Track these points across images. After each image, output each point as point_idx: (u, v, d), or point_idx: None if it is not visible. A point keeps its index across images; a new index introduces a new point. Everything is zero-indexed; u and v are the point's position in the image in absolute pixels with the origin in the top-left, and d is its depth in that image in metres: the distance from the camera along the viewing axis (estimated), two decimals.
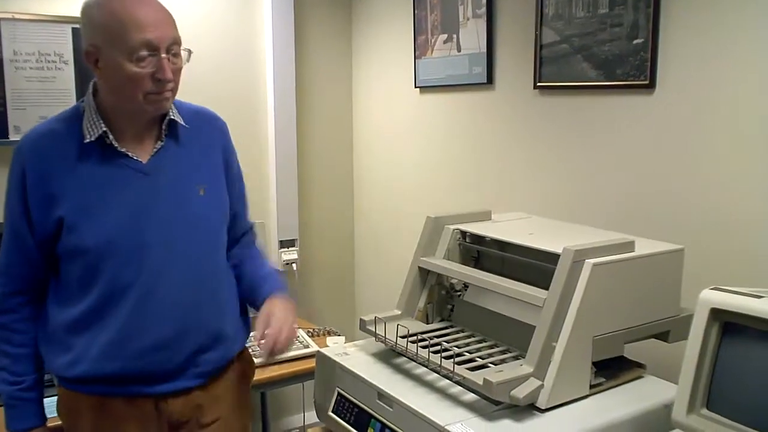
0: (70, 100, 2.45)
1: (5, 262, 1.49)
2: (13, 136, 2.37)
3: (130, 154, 1.44)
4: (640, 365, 1.55)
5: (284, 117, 2.93)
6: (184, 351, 1.47)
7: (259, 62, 2.92)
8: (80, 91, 2.47)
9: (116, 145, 1.42)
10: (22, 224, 1.44)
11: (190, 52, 1.47)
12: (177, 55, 1.41)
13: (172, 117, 1.48)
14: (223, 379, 1.58)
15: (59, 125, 1.45)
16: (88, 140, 1.41)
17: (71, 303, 1.44)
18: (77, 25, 2.41)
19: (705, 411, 1.22)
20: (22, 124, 2.39)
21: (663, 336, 1.55)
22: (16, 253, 1.47)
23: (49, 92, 2.43)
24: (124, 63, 1.35)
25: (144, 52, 1.34)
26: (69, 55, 2.45)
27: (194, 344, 1.48)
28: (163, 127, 1.47)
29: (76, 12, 2.40)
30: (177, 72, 1.42)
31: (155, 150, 1.47)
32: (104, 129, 1.41)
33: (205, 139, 1.56)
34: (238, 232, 1.67)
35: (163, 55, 1.36)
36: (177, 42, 1.41)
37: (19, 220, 1.44)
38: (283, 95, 2.92)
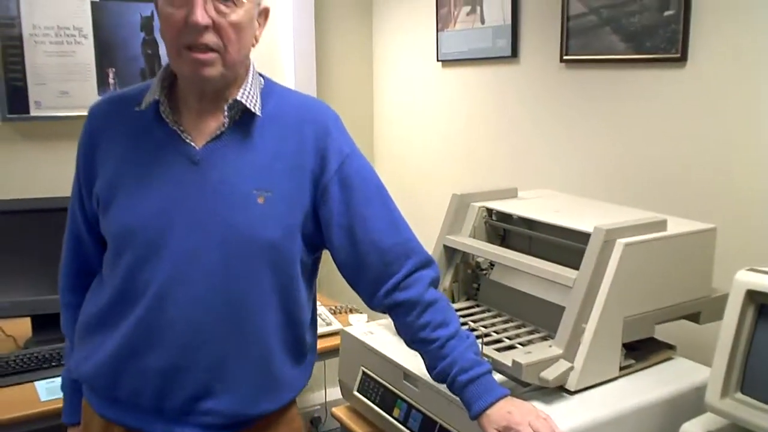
0: (91, 75, 2.44)
1: (65, 236, 1.36)
2: (34, 112, 2.36)
3: (183, 134, 1.21)
4: (670, 346, 1.53)
5: (304, 92, 2.90)
6: (187, 388, 1.20)
7: (278, 35, 2.88)
8: (100, 66, 2.46)
9: (168, 120, 1.21)
10: (75, 199, 1.32)
11: (265, 9, 1.23)
12: (230, 3, 1.14)
13: (240, 99, 1.20)
14: None
15: (132, 91, 1.27)
16: (139, 108, 1.21)
17: (99, 295, 1.27)
18: None
19: (739, 395, 1.20)
20: (43, 99, 2.38)
21: (694, 317, 1.52)
22: (70, 227, 1.35)
23: (68, 67, 2.41)
24: (162, 2, 1.15)
25: None
26: (88, 29, 2.42)
27: (197, 383, 1.20)
28: (225, 108, 1.21)
29: None
30: (228, 26, 1.14)
31: (213, 137, 1.21)
32: (157, 97, 1.20)
33: (291, 136, 1.24)
34: (379, 269, 1.26)
35: None
36: None
37: (75, 193, 1.32)
38: (303, 69, 2.89)
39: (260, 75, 1.31)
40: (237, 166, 1.21)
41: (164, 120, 1.22)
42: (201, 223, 1.18)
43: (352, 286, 1.32)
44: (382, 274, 1.26)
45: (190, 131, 1.22)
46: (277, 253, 1.21)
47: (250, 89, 1.23)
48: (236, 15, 1.15)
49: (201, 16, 1.11)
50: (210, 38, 1.14)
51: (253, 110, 1.22)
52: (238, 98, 1.21)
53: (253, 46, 1.25)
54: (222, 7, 1.14)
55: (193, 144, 1.21)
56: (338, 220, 1.25)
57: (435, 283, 1.30)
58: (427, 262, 1.30)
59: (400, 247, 1.27)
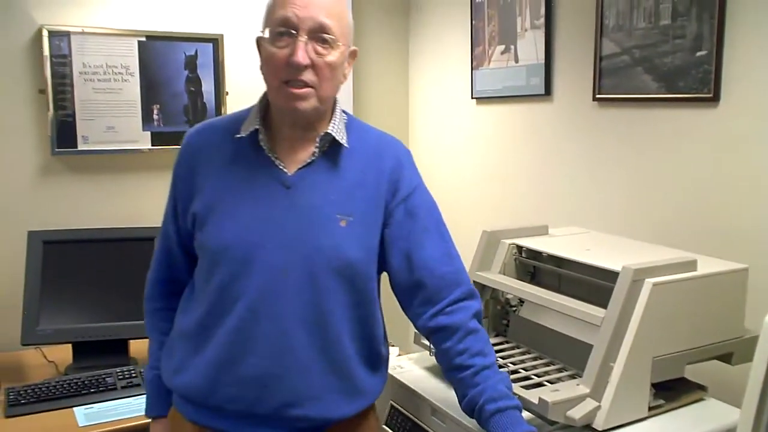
0: (136, 111, 2.53)
1: (156, 250, 1.47)
2: (81, 146, 2.46)
3: (277, 161, 1.32)
4: (701, 387, 1.51)
5: None
6: (278, 395, 1.28)
7: None
8: (145, 102, 2.55)
9: (265, 148, 1.32)
10: (169, 215, 1.43)
11: (354, 50, 1.35)
12: (327, 45, 1.27)
13: (330, 131, 1.33)
14: None
15: (226, 120, 1.40)
16: (239, 136, 1.33)
17: (192, 308, 1.36)
18: (143, 38, 2.52)
19: None
20: (90, 134, 2.47)
21: (726, 358, 1.51)
22: (162, 242, 1.45)
23: (115, 103, 2.51)
24: (266, 43, 1.28)
25: (281, 29, 1.25)
26: (135, 68, 2.52)
27: (287, 391, 1.28)
28: (317, 140, 1.33)
29: (142, 26, 2.52)
30: (324, 66, 1.27)
31: (304, 164, 1.33)
32: (257, 126, 1.32)
33: (371, 167, 1.36)
34: (429, 293, 1.35)
35: (302, 38, 1.24)
36: (326, 30, 1.26)
37: (169, 210, 1.43)
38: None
39: (343, 110, 1.42)
40: (323, 191, 1.32)
41: (261, 147, 1.33)
42: (289, 242, 1.29)
43: (402, 307, 1.41)
44: (432, 298, 1.35)
45: (282, 158, 1.33)
46: (355, 271, 1.32)
47: (338, 123, 1.36)
48: (332, 56, 1.28)
49: (302, 57, 1.24)
50: (308, 76, 1.26)
51: (341, 142, 1.34)
52: (329, 131, 1.33)
53: (341, 83, 1.36)
54: (320, 49, 1.27)
55: (285, 170, 1.32)
56: (399, 245, 1.36)
57: (478, 315, 1.38)
58: (474, 294, 1.39)
59: (452, 275, 1.37)
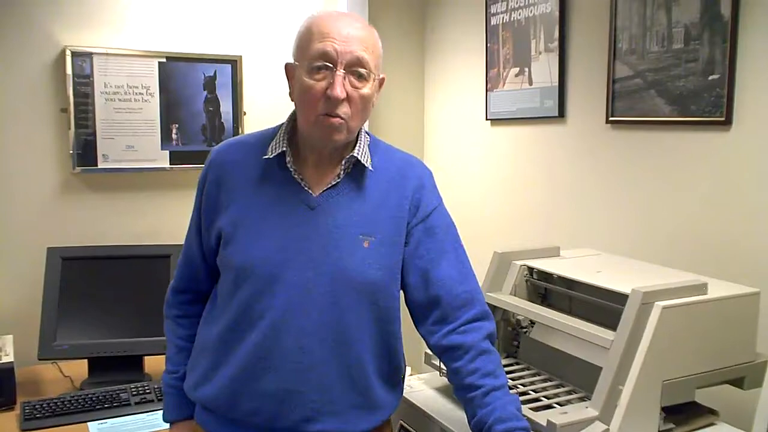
0: (156, 130, 2.58)
1: (179, 260, 1.52)
2: (102, 164, 2.50)
3: (302, 183, 1.36)
4: (712, 411, 1.51)
5: None
6: (298, 410, 1.30)
7: None
8: (165, 122, 2.59)
9: (292, 170, 1.36)
10: (193, 228, 1.46)
11: (383, 78, 1.39)
12: (362, 79, 1.31)
13: (355, 155, 1.36)
14: None
15: (252, 139, 1.43)
16: (266, 157, 1.36)
17: (215, 321, 1.39)
18: (163, 59, 2.57)
19: None
20: (110, 152, 2.51)
21: (737, 382, 1.50)
22: (185, 253, 1.49)
23: (135, 123, 2.56)
24: (302, 74, 1.30)
25: (319, 63, 1.28)
26: (155, 88, 2.57)
27: (307, 406, 1.31)
28: (343, 163, 1.37)
29: (162, 47, 2.57)
30: (358, 99, 1.31)
31: (329, 186, 1.36)
32: (284, 149, 1.36)
33: (394, 189, 1.40)
34: (444, 311, 1.37)
35: (339, 72, 1.28)
36: (363, 65, 1.30)
37: (193, 223, 1.46)
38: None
39: (366, 132, 1.44)
40: (347, 212, 1.35)
41: (287, 168, 1.36)
42: (313, 262, 1.32)
43: (415, 324, 1.43)
44: (447, 316, 1.37)
45: (308, 180, 1.37)
46: (378, 291, 1.35)
47: (363, 146, 1.39)
48: (366, 89, 1.32)
49: (341, 91, 1.28)
50: (343, 109, 1.30)
51: (366, 165, 1.37)
52: (355, 154, 1.36)
53: (370, 112, 1.39)
54: (356, 82, 1.30)
55: (310, 191, 1.36)
56: (416, 263, 1.39)
57: (491, 336, 1.39)
58: (488, 315, 1.41)
59: (467, 294, 1.39)
